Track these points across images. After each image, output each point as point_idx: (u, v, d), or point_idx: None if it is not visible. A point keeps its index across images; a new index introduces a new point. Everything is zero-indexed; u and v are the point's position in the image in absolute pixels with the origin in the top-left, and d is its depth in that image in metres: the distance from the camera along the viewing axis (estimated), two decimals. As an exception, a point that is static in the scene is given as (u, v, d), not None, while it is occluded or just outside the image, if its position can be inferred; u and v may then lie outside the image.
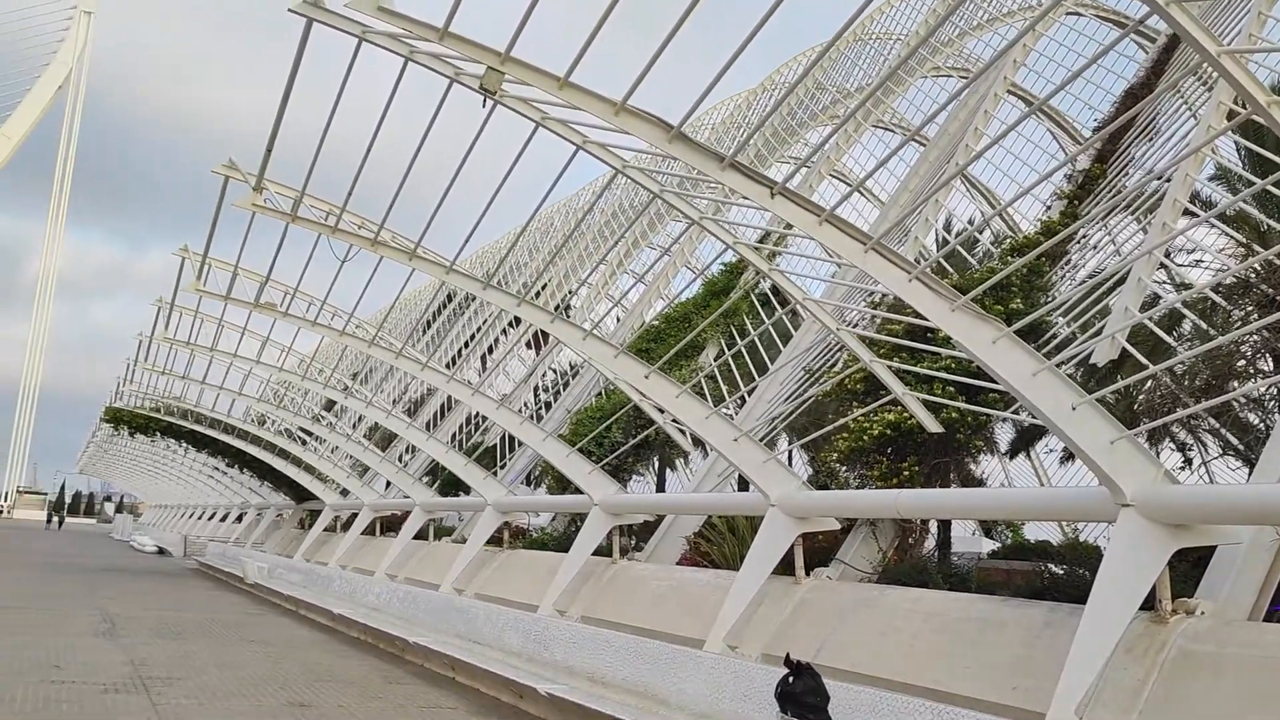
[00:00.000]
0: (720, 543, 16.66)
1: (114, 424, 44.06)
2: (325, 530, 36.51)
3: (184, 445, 44.43)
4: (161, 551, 57.10)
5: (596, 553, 18.19)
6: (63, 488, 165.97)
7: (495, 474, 26.10)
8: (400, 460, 35.66)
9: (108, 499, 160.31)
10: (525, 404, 36.02)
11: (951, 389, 13.81)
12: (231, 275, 20.48)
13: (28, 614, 20.86)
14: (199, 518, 71.25)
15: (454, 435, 36.46)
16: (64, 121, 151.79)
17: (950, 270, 18.63)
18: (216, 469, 50.14)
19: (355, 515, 32.98)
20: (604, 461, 19.92)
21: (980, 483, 18.74)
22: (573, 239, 34.29)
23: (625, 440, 22.25)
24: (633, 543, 20.31)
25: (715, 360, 24.03)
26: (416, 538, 27.53)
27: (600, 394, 27.69)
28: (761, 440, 16.10)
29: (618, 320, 33.71)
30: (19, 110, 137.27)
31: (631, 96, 10.12)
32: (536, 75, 10.05)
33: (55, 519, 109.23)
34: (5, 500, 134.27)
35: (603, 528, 17.99)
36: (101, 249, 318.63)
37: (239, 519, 57.39)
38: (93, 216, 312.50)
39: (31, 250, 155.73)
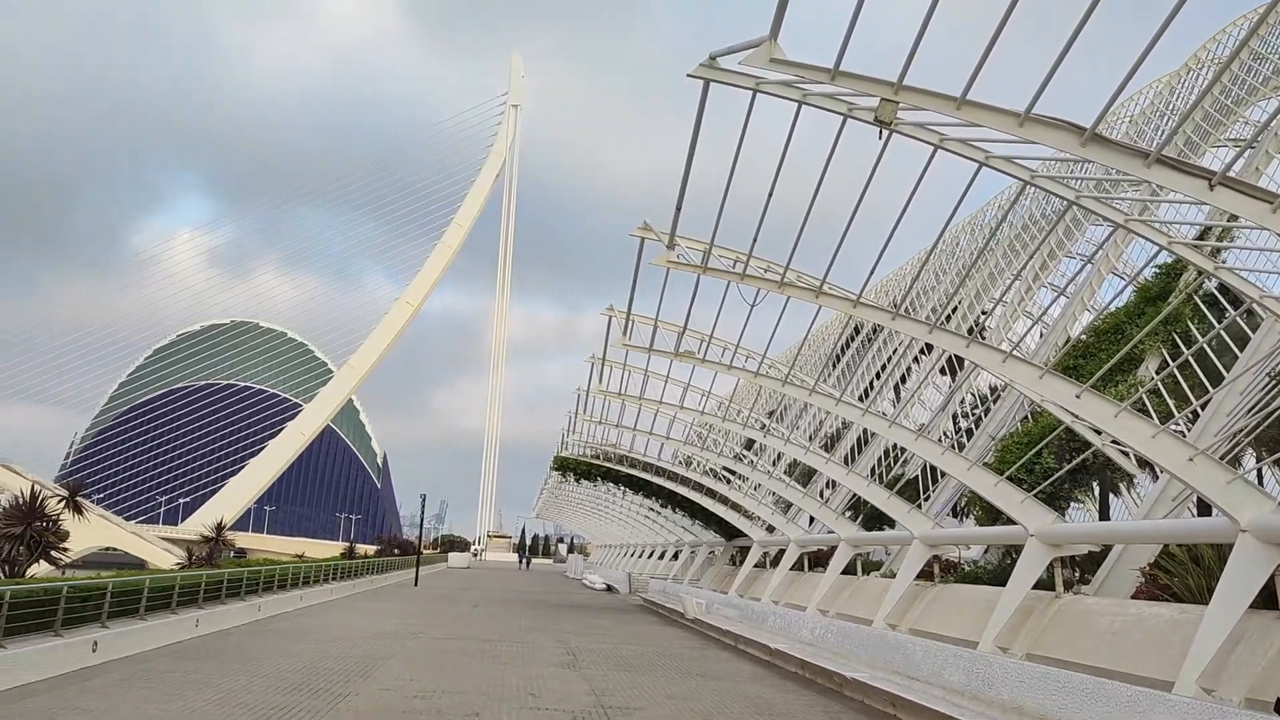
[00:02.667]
0: (1182, 574, 14.99)
1: (561, 471, 48.48)
2: (755, 566, 37.53)
3: (621, 488, 47.86)
4: (609, 589, 61.61)
5: (1036, 586, 17.12)
6: (523, 531, 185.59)
7: (919, 506, 25.45)
8: (821, 495, 35.92)
9: (560, 540, 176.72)
10: (944, 433, 34.87)
11: None
12: (652, 328, 21.92)
13: (507, 645, 23.43)
14: (639, 556, 76.15)
15: (873, 468, 36.10)
16: (503, 204, 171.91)
17: None
18: (651, 509, 53.37)
19: (783, 551, 33.60)
20: (1037, 489, 18.73)
21: None
22: (981, 257, 32.89)
23: (1058, 465, 20.76)
24: (1076, 575, 18.87)
25: (1157, 373, 21.83)
26: (844, 573, 27.49)
27: (1026, 418, 26.14)
28: (1222, 458, 14.35)
29: (1040, 337, 31.74)
30: (466, 200, 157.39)
31: (1035, 103, 9.61)
32: (932, 99, 9.86)
33: (525, 560, 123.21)
34: (479, 544, 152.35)
35: (1041, 560, 16.90)
36: (548, 314, 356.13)
37: (675, 556, 60.57)
38: (539, 286, 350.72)
39: (501, 323, 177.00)
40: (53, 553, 22.25)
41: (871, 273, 16.50)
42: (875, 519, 29.01)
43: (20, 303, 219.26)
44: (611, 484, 47.39)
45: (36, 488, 23.53)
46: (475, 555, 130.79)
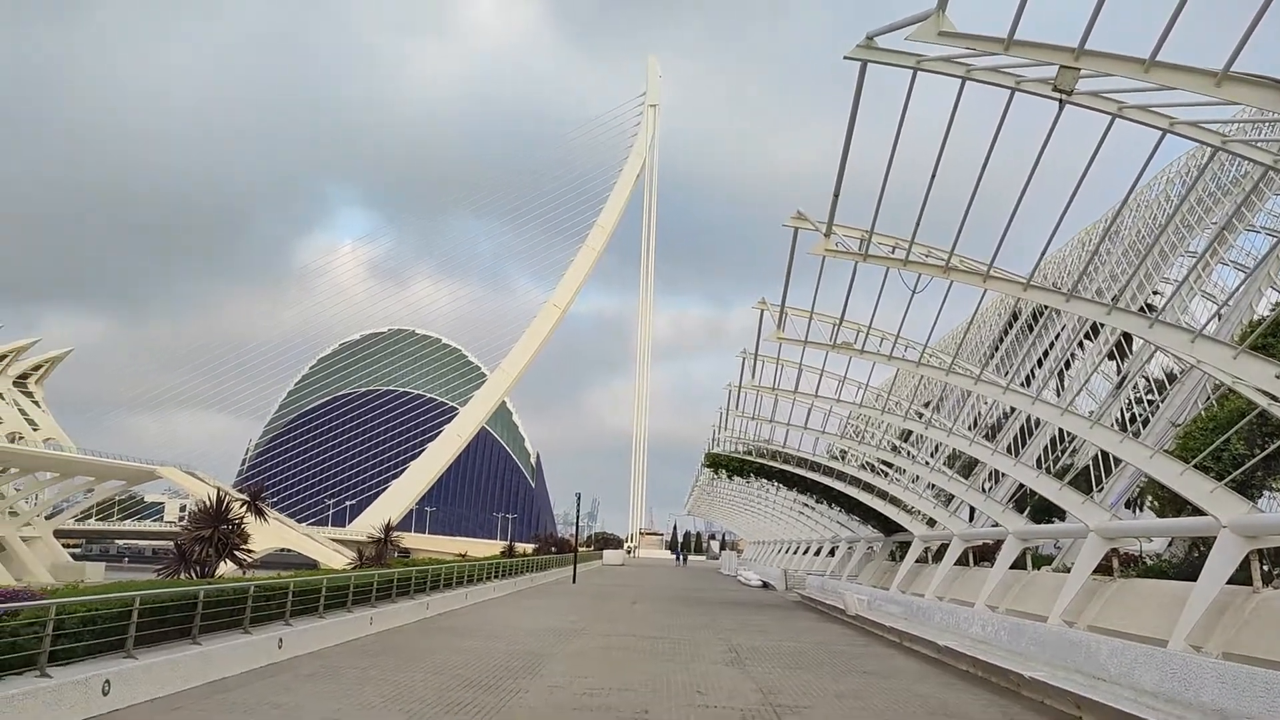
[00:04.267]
0: (1401, 567, 13.77)
1: (713, 468, 48.31)
2: (917, 561, 36.56)
3: (774, 484, 47.35)
4: (765, 585, 61.20)
5: (1230, 580, 16.01)
6: (675, 528, 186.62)
7: (1092, 497, 24.24)
8: (984, 487, 34.67)
9: (712, 537, 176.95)
10: (1115, 419, 33.15)
11: None
12: (807, 320, 21.54)
13: (669, 642, 23.45)
14: (793, 552, 75.38)
15: (1039, 458, 34.64)
16: (644, 204, 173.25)
17: None
18: (806, 505, 52.68)
19: (945, 545, 32.60)
20: (1229, 477, 17.53)
21: None
22: (1148, 233, 31.16)
23: (1250, 452, 19.37)
24: (1274, 570, 17.57)
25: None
26: (1012, 567, 26.45)
27: (1209, 402, 24.56)
28: None
29: (1219, 316, 29.79)
30: (608, 202, 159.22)
31: (1234, 60, 8.88)
32: (1117, 63, 9.24)
33: (681, 557, 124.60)
34: (631, 542, 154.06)
35: (1237, 553, 15.79)
36: (696, 311, 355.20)
37: (831, 552, 59.67)
38: (687, 283, 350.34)
39: (646, 322, 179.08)
40: (236, 554, 23.40)
41: (1043, 254, 15.77)
42: (1044, 511, 27.81)
43: (200, 319, 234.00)
44: (764, 480, 46.96)
45: (220, 492, 24.83)
46: (629, 553, 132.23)
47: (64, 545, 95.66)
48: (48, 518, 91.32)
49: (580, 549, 71.81)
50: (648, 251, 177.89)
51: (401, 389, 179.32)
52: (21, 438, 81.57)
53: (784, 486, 46.70)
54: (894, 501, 36.63)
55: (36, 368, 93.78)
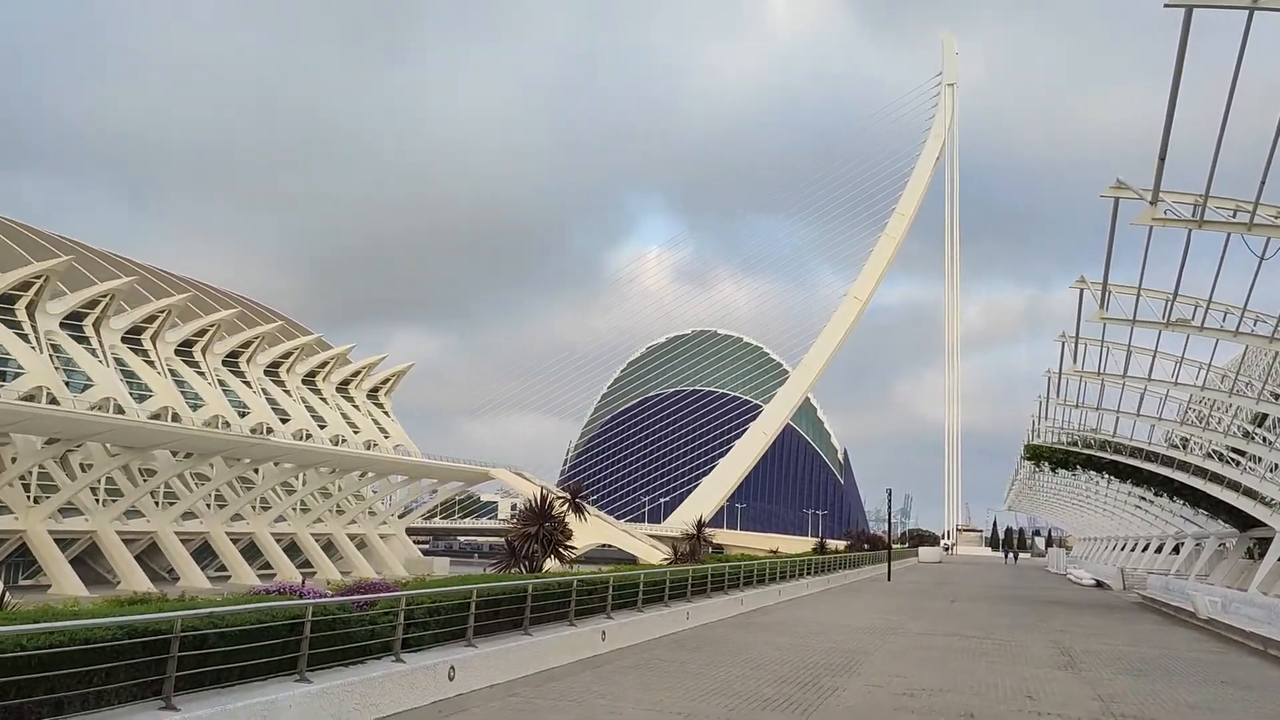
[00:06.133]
0: None
1: (1034, 461, 45.55)
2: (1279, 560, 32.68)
3: (1104, 476, 43.93)
4: (1099, 584, 57.03)
5: None
6: (994, 525, 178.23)
7: None
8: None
9: (1036, 533, 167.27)
10: None
11: None
12: (1134, 297, 19.83)
13: (992, 643, 22.36)
14: (1128, 549, 69.72)
15: None
16: (945, 187, 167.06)
17: None
18: (1142, 498, 48.58)
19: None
20: None
21: None
22: None
23: None
24: None
25: None
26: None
27: None
28: None
29: None
30: (907, 188, 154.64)
31: None
32: None
33: (1011, 555, 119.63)
34: (948, 538, 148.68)
35: None
36: (1010, 295, 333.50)
37: (1175, 550, 54.66)
38: (999, 266, 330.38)
39: (953, 310, 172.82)
40: (560, 550, 24.73)
41: None
42: None
43: (524, 330, 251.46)
44: (1092, 472, 43.70)
45: (544, 491, 26.35)
46: (946, 550, 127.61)
47: (415, 542, 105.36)
48: (400, 517, 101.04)
49: (894, 546, 70.09)
50: (952, 235, 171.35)
51: (706, 388, 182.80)
52: (376, 445, 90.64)
53: (1115, 478, 43.26)
54: (1249, 493, 32.97)
55: (385, 381, 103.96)
